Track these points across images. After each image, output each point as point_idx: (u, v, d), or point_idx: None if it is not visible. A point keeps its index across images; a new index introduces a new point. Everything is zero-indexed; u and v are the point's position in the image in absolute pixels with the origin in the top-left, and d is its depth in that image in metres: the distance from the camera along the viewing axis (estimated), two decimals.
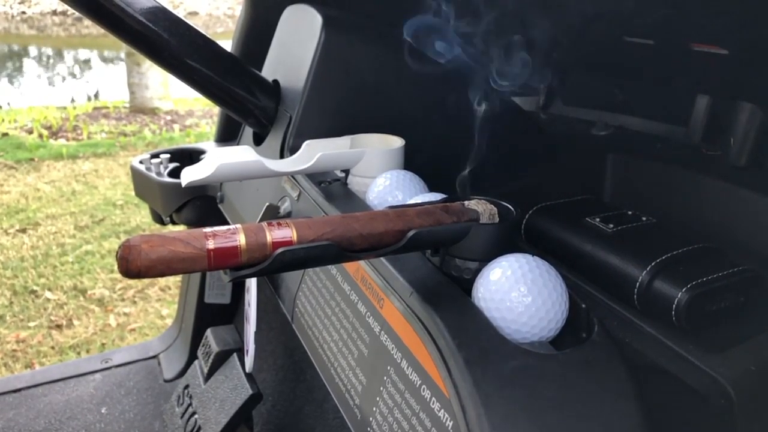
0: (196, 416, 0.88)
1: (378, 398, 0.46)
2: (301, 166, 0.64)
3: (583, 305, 0.44)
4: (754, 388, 0.45)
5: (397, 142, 0.70)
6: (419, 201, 0.51)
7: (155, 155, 1.10)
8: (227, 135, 1.15)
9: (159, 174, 1.06)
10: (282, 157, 0.76)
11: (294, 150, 0.70)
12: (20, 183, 3.14)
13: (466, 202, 0.46)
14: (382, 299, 0.48)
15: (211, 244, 0.34)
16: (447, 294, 0.45)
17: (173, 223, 1.09)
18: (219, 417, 0.83)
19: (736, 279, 0.51)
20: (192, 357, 1.25)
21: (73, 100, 5.25)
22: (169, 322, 1.85)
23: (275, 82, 0.86)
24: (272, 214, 0.72)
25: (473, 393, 0.36)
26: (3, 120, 4.25)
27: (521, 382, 0.38)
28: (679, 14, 0.58)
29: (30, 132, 4.01)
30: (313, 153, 0.64)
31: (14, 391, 1.22)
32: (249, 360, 0.79)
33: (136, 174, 1.10)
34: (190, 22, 0.76)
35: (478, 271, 0.45)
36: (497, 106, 0.84)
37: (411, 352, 0.43)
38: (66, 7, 0.64)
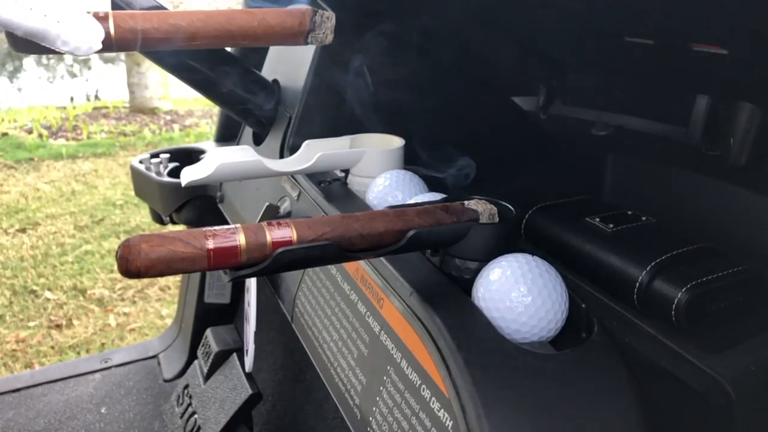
0: (195, 416, 0.88)
1: (378, 398, 0.46)
2: (300, 165, 0.64)
3: (583, 305, 0.44)
4: (754, 388, 0.45)
5: (397, 142, 0.70)
6: (419, 201, 0.51)
7: (155, 155, 1.10)
8: (227, 135, 1.15)
9: (159, 174, 1.06)
10: (282, 157, 0.76)
11: (294, 150, 0.70)
12: (20, 183, 3.14)
13: (466, 202, 0.46)
14: (382, 299, 0.48)
15: (210, 244, 0.34)
16: (447, 294, 0.45)
17: (173, 222, 1.09)
18: (219, 417, 0.83)
19: (736, 279, 0.51)
20: (192, 357, 1.25)
21: (72, 100, 5.25)
22: (168, 321, 1.85)
23: (275, 82, 0.86)
24: (272, 214, 0.72)
25: (473, 393, 0.36)
26: (3, 120, 4.25)
27: (521, 382, 0.38)
28: (679, 14, 0.58)
29: (30, 132, 4.00)
30: (313, 153, 0.64)
31: (14, 391, 1.22)
32: (249, 360, 0.79)
33: (135, 174, 1.10)
34: None
35: (478, 271, 0.45)
36: (497, 106, 0.84)
37: (411, 352, 0.43)
38: None
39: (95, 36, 0.36)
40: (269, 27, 0.43)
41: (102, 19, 0.37)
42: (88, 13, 0.36)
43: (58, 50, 0.35)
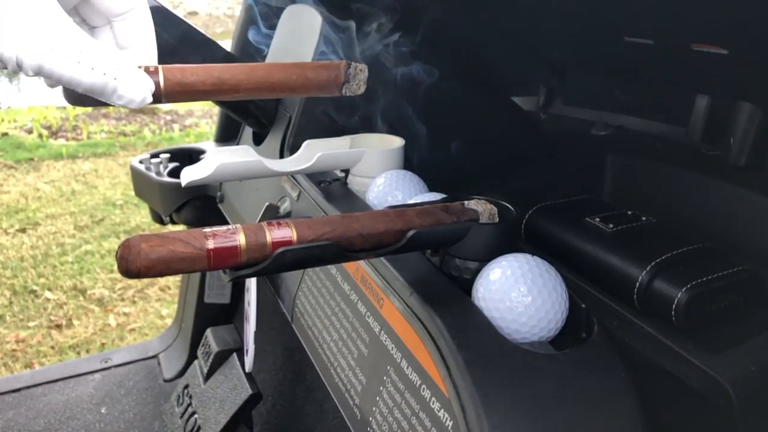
0: (195, 416, 0.88)
1: (378, 398, 0.46)
2: (300, 165, 0.64)
3: (583, 305, 0.44)
4: (754, 388, 0.45)
5: (397, 142, 0.70)
6: (419, 201, 0.51)
7: (155, 155, 1.10)
8: (227, 135, 1.15)
9: (159, 174, 1.06)
10: (282, 156, 0.76)
11: (294, 150, 0.70)
12: (20, 183, 3.13)
13: (466, 202, 0.46)
14: (381, 299, 0.48)
15: (210, 244, 0.34)
16: (447, 294, 0.45)
17: (173, 223, 1.09)
18: (219, 417, 0.83)
19: (736, 279, 0.51)
20: (192, 357, 1.25)
21: None
22: (168, 321, 1.85)
23: None
24: (272, 214, 0.72)
25: (473, 393, 0.36)
26: (3, 120, 4.25)
27: (521, 382, 0.38)
28: (679, 14, 0.58)
29: (30, 132, 4.00)
30: (313, 153, 0.64)
31: (14, 391, 1.22)
32: (249, 360, 0.79)
33: (135, 174, 1.10)
34: (190, 22, 0.76)
35: (477, 271, 0.45)
36: (497, 106, 0.84)
37: (411, 352, 0.43)
38: None
39: (147, 89, 0.38)
40: (307, 79, 0.45)
41: (152, 73, 0.39)
42: (140, 67, 0.38)
43: (112, 104, 0.37)
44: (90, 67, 0.34)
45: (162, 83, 0.40)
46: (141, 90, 0.37)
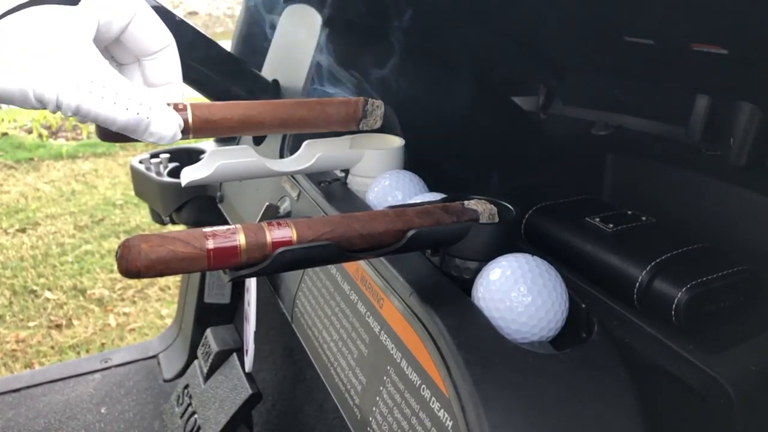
0: (195, 416, 0.88)
1: (378, 398, 0.46)
2: (300, 165, 0.64)
3: (583, 305, 0.44)
4: (754, 388, 0.45)
5: (397, 142, 0.70)
6: (419, 201, 0.51)
7: (155, 155, 1.10)
8: None
9: (159, 174, 1.06)
10: (282, 156, 0.76)
11: (293, 150, 0.70)
12: (20, 183, 3.13)
13: (465, 202, 0.46)
14: (381, 299, 0.48)
15: (210, 244, 0.34)
16: (447, 294, 0.45)
17: (173, 222, 1.09)
18: (219, 417, 0.83)
19: (735, 279, 0.51)
20: (192, 357, 1.25)
21: None
22: (168, 321, 1.85)
23: (275, 81, 0.86)
24: (272, 214, 0.72)
25: (473, 393, 0.36)
26: (3, 120, 4.25)
27: (521, 382, 0.38)
28: (679, 14, 0.58)
29: (29, 132, 4.00)
30: (313, 153, 0.64)
31: (14, 391, 1.22)
32: (249, 360, 0.79)
33: (135, 174, 1.10)
34: (190, 22, 0.76)
35: (477, 270, 0.45)
36: (497, 105, 0.84)
37: (411, 352, 0.43)
38: None
39: (177, 126, 0.40)
40: (327, 115, 0.47)
41: (181, 110, 0.41)
42: (169, 105, 0.40)
43: (143, 140, 0.39)
44: (125, 108, 0.36)
45: (190, 119, 0.41)
46: (171, 127, 0.39)
